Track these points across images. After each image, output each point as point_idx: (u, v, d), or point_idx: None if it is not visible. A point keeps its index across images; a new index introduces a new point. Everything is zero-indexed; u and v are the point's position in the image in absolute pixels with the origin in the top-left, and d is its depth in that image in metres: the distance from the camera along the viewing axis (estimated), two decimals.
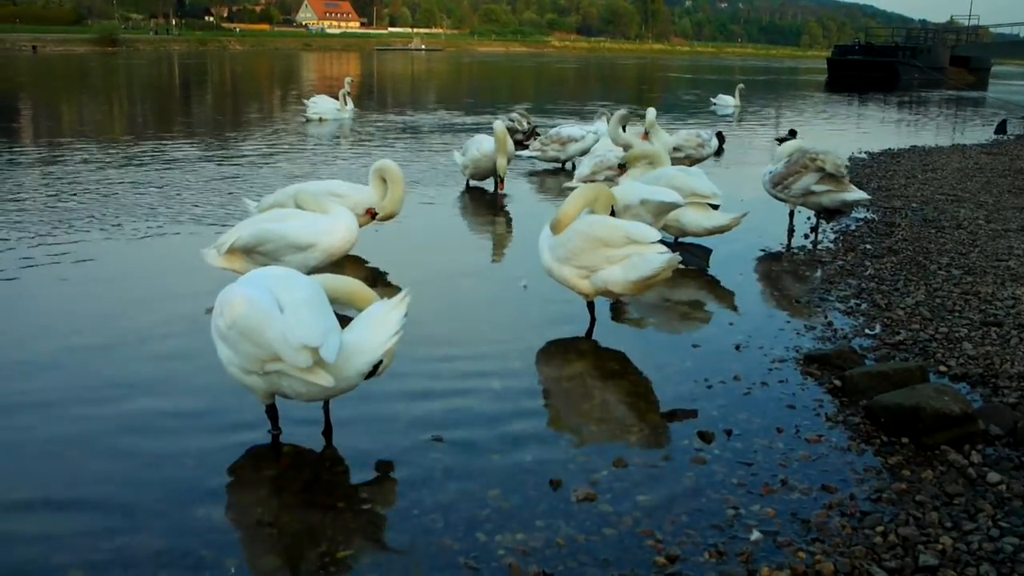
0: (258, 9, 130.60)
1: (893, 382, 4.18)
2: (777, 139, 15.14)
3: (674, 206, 6.45)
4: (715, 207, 6.86)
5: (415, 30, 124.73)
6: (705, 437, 3.86)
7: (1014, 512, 3.23)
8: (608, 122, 10.71)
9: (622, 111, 10.22)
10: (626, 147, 7.35)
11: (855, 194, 7.66)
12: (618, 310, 5.76)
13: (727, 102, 23.23)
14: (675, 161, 11.15)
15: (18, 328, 5.17)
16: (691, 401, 4.28)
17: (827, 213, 8.33)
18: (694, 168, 7.16)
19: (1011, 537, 3.05)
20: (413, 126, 17.43)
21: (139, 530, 3.10)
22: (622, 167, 7.29)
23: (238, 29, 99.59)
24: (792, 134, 14.76)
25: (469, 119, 18.98)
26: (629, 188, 6.51)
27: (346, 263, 6.47)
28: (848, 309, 5.76)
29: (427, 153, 13.25)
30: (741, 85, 23.80)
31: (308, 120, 17.36)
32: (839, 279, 6.46)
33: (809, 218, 8.40)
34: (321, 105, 17.60)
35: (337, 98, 18.10)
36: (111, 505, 3.27)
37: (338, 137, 15.20)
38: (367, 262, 6.79)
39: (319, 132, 15.79)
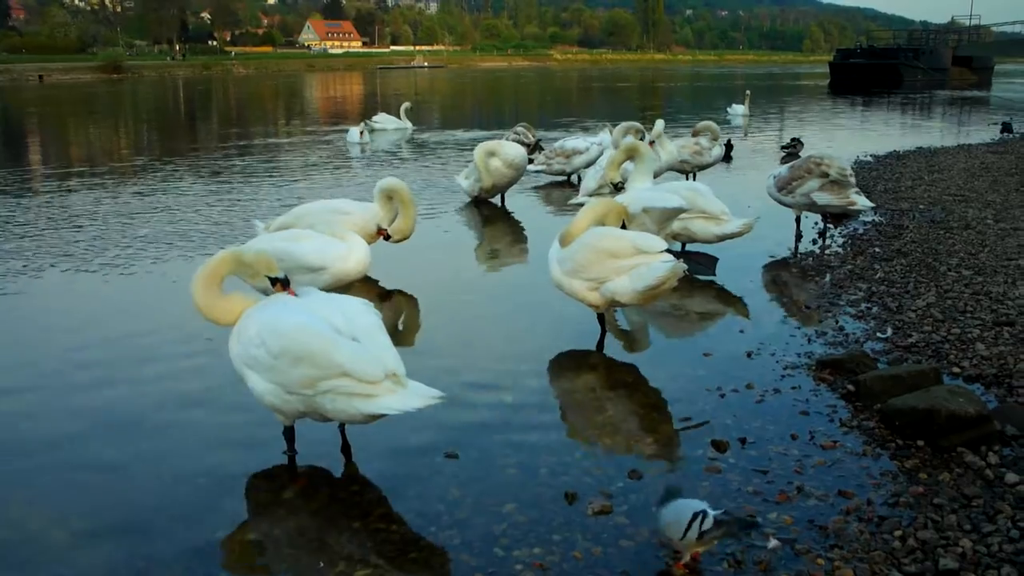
0: (261, 32, 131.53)
1: (907, 385, 4.16)
2: (782, 147, 15.12)
3: (677, 212, 6.44)
4: None
5: (417, 48, 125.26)
6: (719, 446, 3.85)
7: None
8: (612, 134, 10.74)
9: (628, 123, 10.24)
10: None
11: (858, 202, 7.64)
12: (628, 320, 5.76)
13: (738, 111, 23.13)
14: (677, 170, 11.23)
15: (26, 350, 5.21)
16: (704, 410, 4.28)
17: (833, 216, 8.33)
18: (702, 186, 7.10)
19: None
20: (418, 143, 17.50)
21: (156, 553, 3.11)
22: (615, 187, 7.03)
23: (233, 53, 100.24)
24: (794, 142, 14.72)
25: (473, 135, 19.03)
26: (631, 197, 6.50)
27: None
28: (859, 313, 5.74)
29: (431, 169, 13.31)
30: (748, 91, 23.56)
31: (361, 134, 17.31)
32: (849, 283, 6.44)
33: (816, 223, 8.39)
34: (381, 121, 19.85)
35: (399, 116, 20.22)
36: (127, 528, 3.28)
37: (393, 152, 15.28)
38: (377, 277, 6.81)
39: (374, 148, 15.87)
